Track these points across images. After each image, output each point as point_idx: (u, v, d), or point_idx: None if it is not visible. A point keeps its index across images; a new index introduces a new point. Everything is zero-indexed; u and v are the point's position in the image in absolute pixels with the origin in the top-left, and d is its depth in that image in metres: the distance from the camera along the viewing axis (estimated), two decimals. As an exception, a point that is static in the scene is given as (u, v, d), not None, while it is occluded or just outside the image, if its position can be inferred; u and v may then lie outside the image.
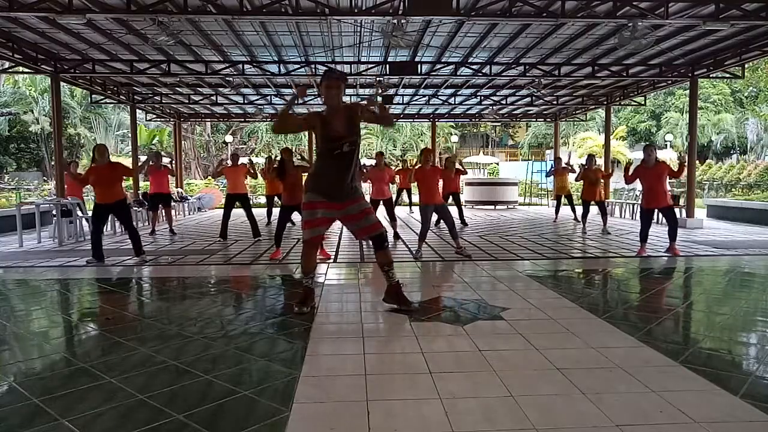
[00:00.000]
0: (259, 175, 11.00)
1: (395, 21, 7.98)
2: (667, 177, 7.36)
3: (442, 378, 2.86)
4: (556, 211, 12.83)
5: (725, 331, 3.85)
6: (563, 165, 12.11)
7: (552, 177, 14.10)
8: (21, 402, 2.63)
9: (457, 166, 10.45)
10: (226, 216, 9.36)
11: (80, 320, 4.40)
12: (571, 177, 12.02)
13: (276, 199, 12.06)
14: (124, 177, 7.43)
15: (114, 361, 3.21)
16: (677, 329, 3.98)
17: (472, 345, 3.41)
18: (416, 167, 7.39)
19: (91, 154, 7.04)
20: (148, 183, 10.98)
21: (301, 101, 4.45)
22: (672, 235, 7.32)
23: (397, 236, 9.05)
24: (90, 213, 10.68)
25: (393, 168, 12.48)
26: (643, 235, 7.43)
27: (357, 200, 4.20)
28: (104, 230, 10.37)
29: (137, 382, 2.84)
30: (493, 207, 17.55)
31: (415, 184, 7.64)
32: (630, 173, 7.67)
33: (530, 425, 2.32)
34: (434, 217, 8.12)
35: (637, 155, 29.42)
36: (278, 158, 7.82)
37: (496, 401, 2.58)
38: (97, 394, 2.72)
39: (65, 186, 11.15)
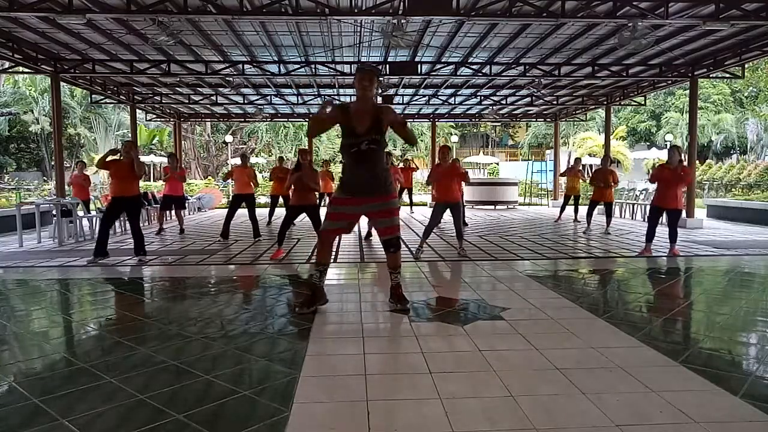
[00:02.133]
0: (260, 179, 11.03)
1: (395, 21, 7.98)
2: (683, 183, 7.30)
3: (442, 378, 2.86)
4: (561, 211, 12.77)
5: (725, 331, 3.85)
6: (580, 167, 12.10)
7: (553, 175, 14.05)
8: (21, 402, 2.63)
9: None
10: (230, 216, 9.38)
11: (80, 320, 4.40)
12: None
13: (280, 199, 12.09)
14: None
15: (114, 361, 3.21)
16: (677, 329, 3.98)
17: (472, 345, 3.41)
18: (435, 164, 7.34)
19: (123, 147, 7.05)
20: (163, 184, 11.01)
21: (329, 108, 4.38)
22: (671, 238, 7.35)
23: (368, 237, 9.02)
24: (93, 213, 10.74)
25: (411, 163, 12.44)
26: (649, 235, 7.42)
27: (379, 199, 4.19)
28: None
29: (137, 382, 2.84)
30: (493, 207, 17.55)
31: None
32: (653, 173, 7.58)
33: (530, 425, 2.32)
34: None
35: (638, 155, 29.52)
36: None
37: (496, 401, 2.58)
38: (97, 394, 2.72)
39: (72, 186, 11.16)
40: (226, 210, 9.68)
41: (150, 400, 2.61)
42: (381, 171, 4.17)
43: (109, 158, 6.90)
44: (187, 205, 15.58)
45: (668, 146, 7.58)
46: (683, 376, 2.90)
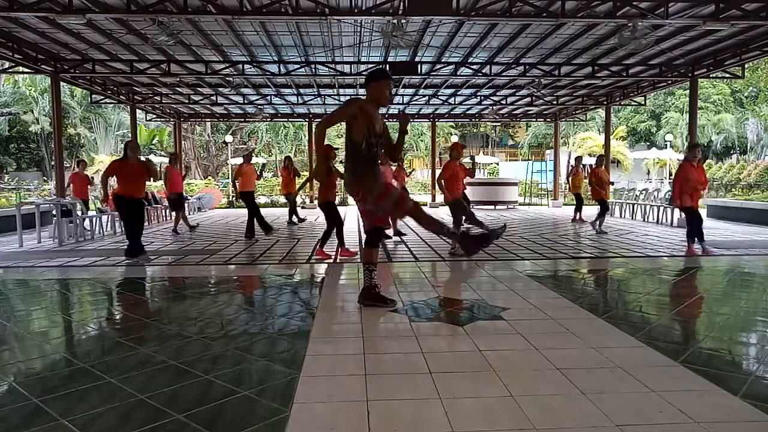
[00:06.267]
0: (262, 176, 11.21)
1: (395, 21, 7.99)
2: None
3: (442, 378, 2.86)
4: (575, 211, 12.54)
5: (725, 331, 3.85)
6: (580, 167, 12.19)
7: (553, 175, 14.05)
8: (21, 402, 2.63)
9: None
10: (257, 212, 9.47)
11: (80, 320, 4.40)
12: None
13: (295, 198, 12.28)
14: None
15: (114, 361, 3.21)
16: (677, 329, 3.98)
17: (472, 345, 3.41)
18: (447, 162, 7.63)
19: (123, 150, 6.98)
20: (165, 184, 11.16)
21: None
22: (699, 237, 7.34)
23: (399, 235, 9.04)
24: (92, 213, 10.74)
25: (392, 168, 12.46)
26: (699, 233, 7.36)
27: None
28: (104, 230, 10.43)
29: (137, 382, 2.84)
30: (493, 207, 17.56)
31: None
32: (678, 178, 7.34)
33: (530, 425, 2.32)
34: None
35: (638, 155, 29.48)
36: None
37: (496, 401, 2.58)
38: (97, 394, 2.72)
39: (72, 185, 11.17)
40: (247, 211, 9.66)
41: (150, 400, 2.61)
42: None
43: (114, 162, 6.92)
44: (186, 204, 15.65)
45: (689, 144, 7.54)
46: (683, 376, 2.89)
